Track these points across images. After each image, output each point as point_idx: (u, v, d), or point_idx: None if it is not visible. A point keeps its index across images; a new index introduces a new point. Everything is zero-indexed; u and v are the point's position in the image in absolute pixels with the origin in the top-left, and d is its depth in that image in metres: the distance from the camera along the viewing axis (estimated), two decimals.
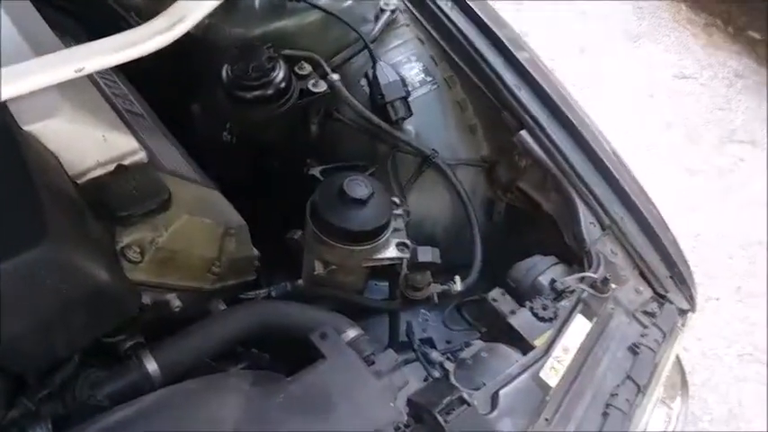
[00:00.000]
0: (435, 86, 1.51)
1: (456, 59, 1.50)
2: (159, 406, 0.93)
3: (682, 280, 1.31)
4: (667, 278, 1.30)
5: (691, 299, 1.31)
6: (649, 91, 3.41)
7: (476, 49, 1.47)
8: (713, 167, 3.12)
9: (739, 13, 3.80)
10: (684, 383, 1.43)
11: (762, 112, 3.34)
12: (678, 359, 1.37)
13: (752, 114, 3.34)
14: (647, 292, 1.27)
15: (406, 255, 1.21)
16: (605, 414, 1.06)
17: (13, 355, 0.88)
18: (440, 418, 0.94)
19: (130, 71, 1.33)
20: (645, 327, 1.20)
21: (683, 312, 1.28)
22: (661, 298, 1.27)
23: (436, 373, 1.20)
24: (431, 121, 1.50)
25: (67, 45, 1.08)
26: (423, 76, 1.51)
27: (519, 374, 1.05)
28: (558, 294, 1.20)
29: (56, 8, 1.45)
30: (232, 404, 0.92)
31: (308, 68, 1.42)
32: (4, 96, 0.90)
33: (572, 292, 1.19)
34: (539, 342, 1.12)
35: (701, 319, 2.50)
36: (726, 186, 3.05)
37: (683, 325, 1.27)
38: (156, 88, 1.41)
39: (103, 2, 1.50)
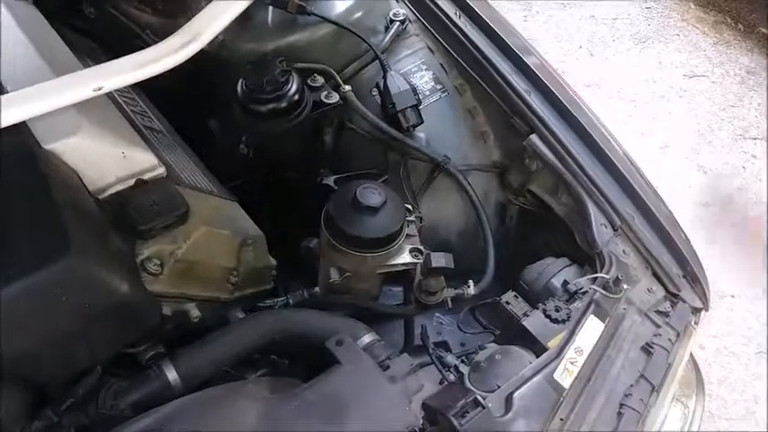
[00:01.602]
0: (446, 94, 1.54)
1: (466, 67, 1.52)
2: (179, 413, 0.94)
3: (695, 278, 1.31)
4: (680, 277, 1.30)
5: (704, 297, 1.31)
6: (661, 91, 3.41)
7: (485, 57, 1.48)
8: (726, 165, 3.11)
9: (749, 10, 3.79)
10: (700, 382, 1.43)
11: None
12: (692, 358, 1.37)
13: (764, 111, 3.33)
14: (660, 292, 1.27)
15: (420, 260, 1.22)
16: (620, 414, 1.07)
17: (35, 366, 0.91)
18: (454, 422, 0.95)
19: (149, 88, 1.36)
20: (658, 326, 1.21)
21: (696, 311, 1.29)
22: (674, 297, 1.28)
23: (451, 377, 1.21)
24: (442, 128, 1.52)
25: (86, 65, 1.11)
26: (433, 84, 1.53)
27: (533, 376, 1.07)
28: (571, 296, 1.21)
29: (74, 29, 1.49)
30: (250, 411, 0.94)
31: (320, 80, 1.44)
32: (26, 116, 0.93)
33: (584, 293, 1.20)
34: (552, 344, 1.13)
35: (717, 316, 2.52)
36: (738, 183, 3.04)
37: (696, 324, 1.27)
38: (174, 104, 1.45)
39: (120, 22, 1.53)
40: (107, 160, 1.05)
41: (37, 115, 0.94)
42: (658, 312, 1.24)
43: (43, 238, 0.89)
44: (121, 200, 1.05)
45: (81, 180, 1.03)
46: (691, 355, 1.30)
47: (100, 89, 0.97)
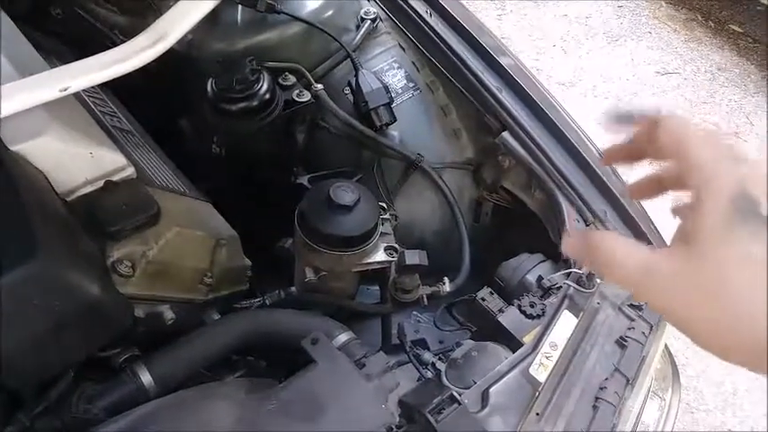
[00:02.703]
0: (418, 92, 1.54)
1: (437, 65, 1.53)
2: (153, 416, 0.93)
3: None
4: None
5: None
6: (633, 88, 3.45)
7: (456, 54, 1.49)
8: None
9: (719, 7, 3.85)
10: (676, 374, 1.44)
11: (745, 104, 3.38)
12: (668, 350, 1.39)
13: (735, 106, 3.38)
14: None
15: (395, 258, 1.22)
16: (595, 407, 1.08)
17: (5, 371, 0.89)
18: (430, 418, 0.95)
19: (119, 88, 1.35)
20: (631, 320, 1.22)
21: None
22: None
23: (429, 374, 1.21)
24: (415, 125, 1.52)
25: (53, 66, 1.10)
26: (405, 82, 1.53)
27: (509, 371, 1.07)
28: (545, 291, 1.22)
29: (42, 30, 1.47)
30: (225, 412, 0.93)
31: (291, 79, 1.44)
32: None
33: (559, 288, 1.21)
34: (527, 339, 1.14)
35: None
36: None
37: None
38: (144, 104, 1.43)
39: (88, 22, 1.51)
40: (75, 161, 1.03)
41: (2, 117, 0.92)
42: (632, 306, 1.24)
43: (11, 241, 0.87)
44: (91, 201, 1.03)
45: (49, 182, 1.01)
46: (666, 348, 1.32)
47: (66, 89, 0.96)
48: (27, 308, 0.86)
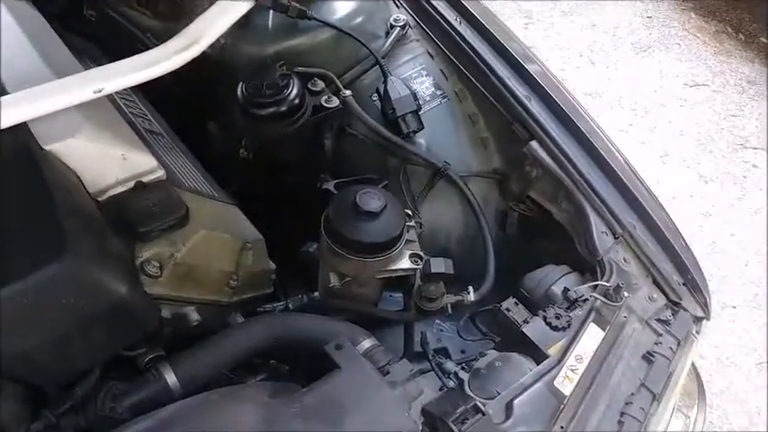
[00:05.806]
0: (446, 100, 1.53)
1: (466, 73, 1.52)
2: (178, 417, 0.94)
3: (695, 287, 1.31)
4: (681, 285, 1.29)
5: (705, 306, 1.30)
6: (661, 100, 3.41)
7: (485, 63, 1.48)
8: (727, 174, 3.11)
9: (750, 20, 3.80)
10: (701, 391, 1.42)
11: None
12: (694, 367, 1.36)
13: (764, 120, 3.33)
14: (661, 300, 1.27)
15: (420, 266, 1.22)
16: (620, 422, 1.06)
17: (34, 367, 0.91)
18: (454, 428, 0.94)
19: (150, 91, 1.36)
20: (659, 335, 1.20)
21: (697, 320, 1.28)
22: (675, 305, 1.27)
23: (451, 383, 1.20)
24: (442, 133, 1.52)
25: (87, 67, 1.11)
26: (433, 89, 1.52)
27: (533, 383, 1.06)
28: (571, 303, 1.21)
29: (75, 32, 1.49)
30: (248, 415, 0.93)
31: (320, 85, 1.44)
32: (26, 117, 0.93)
33: (585, 300, 1.19)
34: (552, 351, 1.13)
35: (719, 326, 2.51)
36: (740, 193, 3.04)
37: (697, 332, 1.26)
38: (174, 107, 1.45)
39: (121, 24, 1.53)
40: (107, 162, 1.05)
41: (37, 116, 0.94)
42: (659, 320, 1.23)
43: (42, 240, 0.89)
44: (121, 202, 1.04)
45: (81, 182, 1.03)
46: (693, 364, 1.30)
47: (100, 91, 0.97)
48: (55, 305, 0.87)
